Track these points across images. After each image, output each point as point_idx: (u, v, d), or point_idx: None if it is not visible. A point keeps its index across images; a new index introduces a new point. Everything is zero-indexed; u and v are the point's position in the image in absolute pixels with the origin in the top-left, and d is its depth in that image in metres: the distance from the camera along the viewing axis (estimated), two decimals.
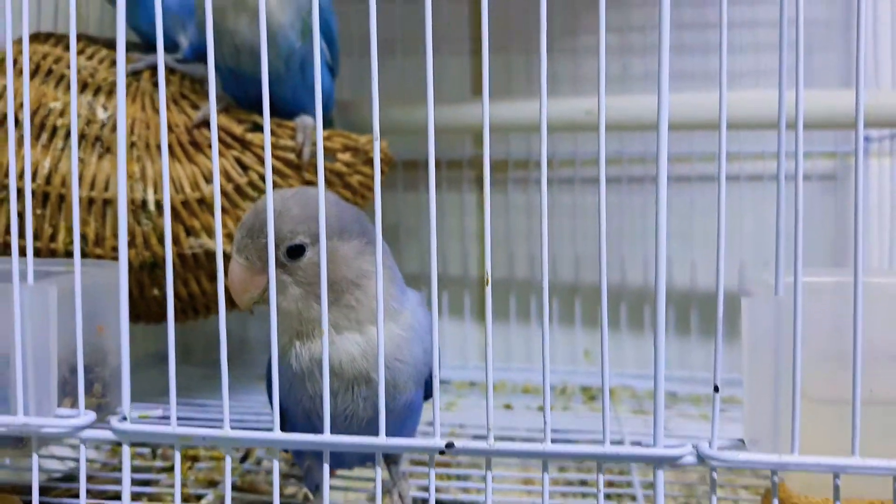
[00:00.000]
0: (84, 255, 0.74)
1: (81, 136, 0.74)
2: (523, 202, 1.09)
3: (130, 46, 0.83)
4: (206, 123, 0.76)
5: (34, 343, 0.52)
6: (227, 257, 0.52)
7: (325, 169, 0.79)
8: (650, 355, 0.46)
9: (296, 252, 0.51)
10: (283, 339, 0.52)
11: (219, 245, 0.47)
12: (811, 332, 0.46)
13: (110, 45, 0.81)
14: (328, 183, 0.79)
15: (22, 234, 0.51)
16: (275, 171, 0.77)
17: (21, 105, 0.74)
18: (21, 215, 0.53)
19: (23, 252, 0.51)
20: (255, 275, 0.51)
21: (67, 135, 0.74)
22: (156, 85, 0.78)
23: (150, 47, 0.83)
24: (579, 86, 1.04)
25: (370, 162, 0.82)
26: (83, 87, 0.76)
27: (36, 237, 0.74)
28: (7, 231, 0.74)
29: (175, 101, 0.77)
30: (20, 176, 0.73)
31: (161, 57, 0.49)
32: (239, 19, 0.71)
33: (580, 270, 1.08)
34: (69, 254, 0.75)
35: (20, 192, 0.73)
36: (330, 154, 0.79)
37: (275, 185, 0.77)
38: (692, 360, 1.03)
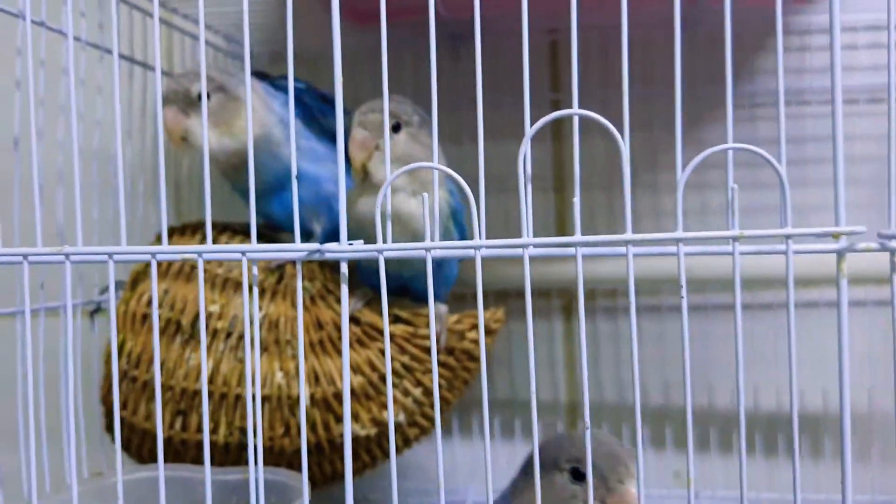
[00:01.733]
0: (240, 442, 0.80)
1: (240, 337, 0.79)
2: (611, 330, 1.14)
3: (263, 229, 0.89)
4: (353, 319, 0.82)
5: None
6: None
7: (456, 348, 0.85)
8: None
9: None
10: None
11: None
12: None
13: (246, 231, 0.87)
14: (458, 360, 0.85)
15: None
16: (413, 357, 0.82)
17: (182, 310, 0.80)
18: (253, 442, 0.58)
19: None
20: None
21: (227, 336, 0.80)
22: None
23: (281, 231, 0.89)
24: (661, 221, 1.10)
25: (490, 332, 0.88)
26: (235, 286, 0.82)
27: (198, 430, 0.80)
28: (171, 426, 0.80)
29: (322, 296, 0.83)
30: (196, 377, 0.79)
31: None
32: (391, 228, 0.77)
33: (670, 395, 1.12)
34: (227, 445, 0.80)
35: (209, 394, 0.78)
36: (458, 333, 0.85)
37: (412, 371, 0.83)
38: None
